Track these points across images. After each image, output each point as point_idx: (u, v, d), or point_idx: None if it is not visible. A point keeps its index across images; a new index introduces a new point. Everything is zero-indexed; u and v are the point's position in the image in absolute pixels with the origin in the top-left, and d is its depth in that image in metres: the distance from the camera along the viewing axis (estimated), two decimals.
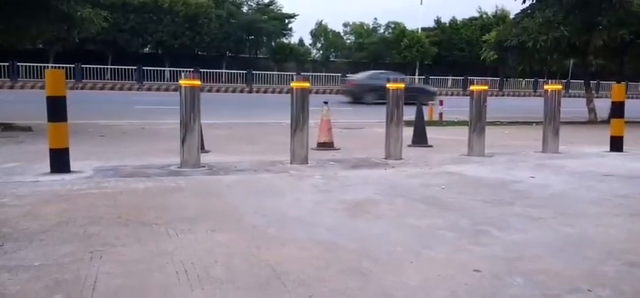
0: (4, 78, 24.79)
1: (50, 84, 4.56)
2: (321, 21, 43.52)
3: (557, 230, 3.16)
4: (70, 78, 24.07)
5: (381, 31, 43.18)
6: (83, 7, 9.82)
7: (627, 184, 4.68)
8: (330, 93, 27.12)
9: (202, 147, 5.69)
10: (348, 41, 43.82)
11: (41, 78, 22.80)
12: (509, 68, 15.34)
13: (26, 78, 25.48)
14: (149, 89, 25.57)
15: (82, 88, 23.80)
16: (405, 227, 3.17)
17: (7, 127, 8.45)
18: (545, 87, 7.02)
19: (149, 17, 32.38)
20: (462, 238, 2.95)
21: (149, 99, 18.01)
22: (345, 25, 44.08)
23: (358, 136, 9.17)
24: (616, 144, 6.95)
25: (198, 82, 5.03)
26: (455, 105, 15.53)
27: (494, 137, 8.39)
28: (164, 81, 29.25)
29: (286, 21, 40.17)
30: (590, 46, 13.04)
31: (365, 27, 43.34)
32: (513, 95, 32.40)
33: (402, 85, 6.16)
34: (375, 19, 45.62)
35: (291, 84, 5.61)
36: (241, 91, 27.68)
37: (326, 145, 7.20)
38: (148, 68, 28.65)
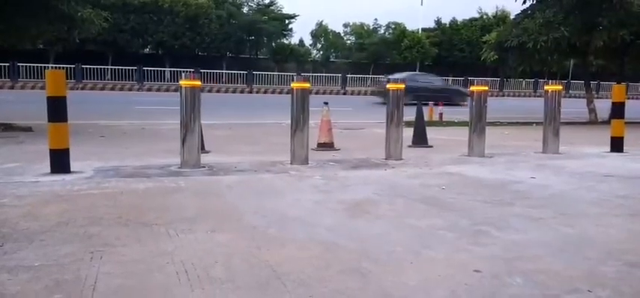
0: (5, 78, 24.79)
1: (50, 84, 4.56)
2: (322, 21, 43.61)
3: (557, 231, 3.16)
4: (71, 79, 24.07)
5: (382, 31, 43.22)
6: (83, 8, 9.83)
7: (627, 185, 4.69)
8: (330, 93, 27.13)
9: (202, 148, 5.70)
10: (349, 42, 43.83)
11: (41, 78, 22.81)
12: (510, 69, 15.34)
13: (26, 78, 25.49)
14: (149, 89, 25.55)
15: (82, 89, 23.80)
16: (405, 227, 3.17)
17: (8, 127, 8.46)
18: (546, 87, 7.02)
19: (149, 18, 32.39)
20: (461, 238, 2.95)
21: (149, 100, 18.01)
22: (346, 25, 44.15)
23: (358, 137, 9.17)
24: (616, 145, 6.95)
25: (198, 83, 5.03)
26: (453, 105, 15.56)
27: (495, 137, 8.39)
28: (164, 81, 29.25)
29: (286, 21, 40.19)
30: (591, 47, 13.02)
31: (365, 27, 43.35)
32: (514, 95, 32.38)
33: (402, 86, 6.18)
34: (376, 19, 45.79)
35: (292, 85, 5.61)
36: (241, 92, 27.68)
37: (326, 146, 7.21)
38: (149, 68, 28.64)
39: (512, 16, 20.84)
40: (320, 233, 2.99)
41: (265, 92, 28.09)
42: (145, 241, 2.75)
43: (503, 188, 4.46)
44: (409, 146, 7.32)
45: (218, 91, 26.60)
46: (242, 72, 30.35)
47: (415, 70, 37.69)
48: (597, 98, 16.95)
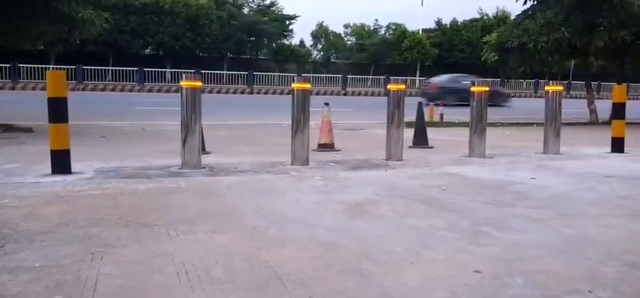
0: (5, 79, 24.82)
1: (51, 85, 4.57)
2: (322, 22, 43.64)
3: (557, 231, 3.16)
4: (71, 80, 24.10)
5: (382, 32, 43.23)
6: (84, 9, 9.84)
7: (628, 185, 4.68)
8: (330, 94, 27.13)
9: (203, 149, 5.70)
10: (349, 42, 43.85)
11: (42, 79, 22.85)
12: (510, 69, 15.33)
13: (27, 79, 25.52)
14: (150, 90, 25.57)
15: (82, 89, 23.81)
16: (405, 227, 3.18)
17: (8, 128, 8.47)
18: (546, 88, 7.02)
19: (150, 18, 32.43)
20: (462, 239, 2.95)
21: (150, 101, 18.02)
22: (346, 26, 44.16)
23: (359, 137, 9.17)
24: (617, 145, 6.95)
25: (199, 83, 5.04)
26: (453, 106, 15.55)
27: (495, 138, 8.38)
28: (165, 82, 29.27)
29: (287, 22, 40.22)
30: (591, 47, 13.02)
31: (366, 28, 43.36)
32: (514, 96, 32.36)
33: (403, 86, 6.19)
34: (376, 20, 45.76)
35: (292, 86, 5.61)
36: (242, 92, 27.68)
37: (327, 146, 7.21)
38: (149, 69, 28.67)
39: (512, 17, 20.85)
40: (320, 233, 2.99)
41: (266, 93, 28.09)
42: (146, 242, 2.75)
43: (503, 188, 4.45)
44: (410, 147, 7.32)
45: (219, 92, 26.62)
46: (243, 73, 30.37)
47: (415, 71, 37.81)
48: (598, 99, 16.93)
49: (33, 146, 6.58)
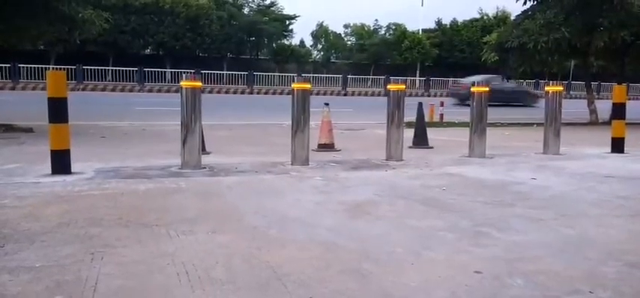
0: (6, 79, 24.82)
1: (51, 85, 4.57)
2: (322, 22, 43.67)
3: (557, 232, 3.16)
4: (71, 80, 24.10)
5: (382, 32, 43.25)
6: (84, 9, 9.84)
7: (628, 185, 4.68)
8: (330, 94, 27.13)
9: (203, 149, 5.70)
10: (349, 42, 43.86)
11: (42, 79, 22.84)
12: (510, 69, 15.34)
13: (27, 79, 25.52)
14: (150, 90, 25.57)
15: (83, 90, 23.81)
16: (406, 228, 3.18)
17: (9, 128, 8.47)
18: (546, 88, 7.02)
19: (150, 19, 32.43)
20: (462, 239, 2.95)
21: (150, 101, 18.02)
22: (346, 26, 44.19)
23: (359, 137, 9.17)
24: (617, 146, 6.95)
25: (199, 84, 5.04)
26: (453, 106, 15.56)
27: (495, 138, 8.38)
28: (165, 82, 29.26)
29: (287, 22, 40.23)
30: (591, 48, 13.01)
31: (366, 28, 43.38)
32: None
33: (403, 87, 6.19)
34: (376, 20, 45.85)
35: (292, 86, 5.61)
36: (242, 93, 27.68)
37: (327, 146, 7.21)
38: (149, 69, 28.67)
39: (512, 17, 20.85)
40: (320, 233, 2.99)
41: (266, 93, 28.09)
42: (146, 242, 2.75)
43: (503, 189, 4.46)
44: (410, 147, 7.32)
45: (219, 92, 26.61)
46: (243, 73, 30.37)
47: (416, 72, 37.83)
48: (598, 99, 16.93)
49: (33, 146, 6.58)
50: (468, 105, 14.07)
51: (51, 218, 3.16)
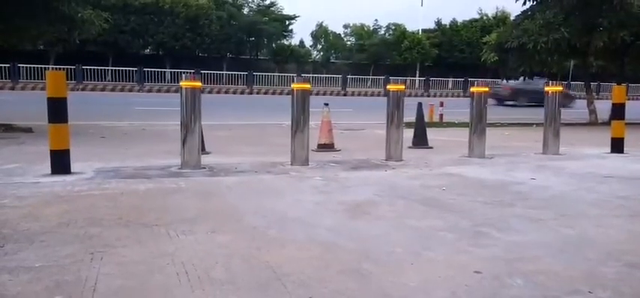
0: (5, 79, 24.81)
1: (51, 85, 4.57)
2: (322, 22, 43.66)
3: (557, 232, 3.16)
4: (71, 80, 24.09)
5: (382, 32, 43.26)
6: (84, 9, 9.84)
7: (628, 186, 4.69)
8: (330, 94, 27.13)
9: (203, 149, 5.70)
10: (349, 43, 43.86)
11: (42, 79, 22.81)
12: (510, 69, 15.34)
13: (27, 79, 25.51)
14: (150, 90, 25.57)
15: (82, 90, 23.81)
16: (405, 228, 3.18)
17: (8, 128, 8.47)
18: (546, 88, 7.02)
19: (150, 19, 32.42)
20: (462, 239, 2.95)
21: (150, 101, 18.02)
22: (346, 26, 44.19)
23: (359, 138, 9.17)
24: (617, 146, 6.95)
25: (198, 84, 5.04)
26: (453, 107, 15.56)
27: (495, 138, 8.39)
28: (165, 82, 29.27)
29: (287, 22, 40.23)
30: (591, 48, 13.02)
31: (365, 28, 43.38)
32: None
33: (403, 87, 6.19)
34: (376, 20, 45.82)
35: (292, 86, 5.61)
36: (242, 93, 27.68)
37: (326, 146, 7.21)
38: (149, 69, 28.65)
39: (512, 17, 20.85)
40: (320, 234, 3.00)
41: (266, 93, 28.09)
42: (146, 242, 2.75)
43: (503, 189, 4.46)
44: (409, 147, 7.33)
45: (218, 92, 26.61)
46: (242, 73, 30.37)
47: (415, 72, 37.85)
48: (597, 99, 16.95)
49: (33, 146, 6.58)
50: (507, 104, 14.04)
51: (51, 218, 3.16)
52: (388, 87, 6.16)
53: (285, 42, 40.65)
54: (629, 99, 9.91)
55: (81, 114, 9.36)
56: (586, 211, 3.70)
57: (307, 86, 5.64)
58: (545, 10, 13.12)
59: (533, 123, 12.11)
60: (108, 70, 29.30)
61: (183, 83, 4.98)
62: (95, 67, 27.65)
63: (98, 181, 4.35)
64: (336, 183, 4.59)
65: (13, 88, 23.20)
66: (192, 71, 5.77)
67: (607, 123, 11.14)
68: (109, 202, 3.61)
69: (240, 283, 2.24)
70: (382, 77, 31.74)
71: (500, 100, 22.75)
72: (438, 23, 43.12)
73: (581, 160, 6.27)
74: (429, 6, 42.29)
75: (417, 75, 37.78)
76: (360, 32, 42.78)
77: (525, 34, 12.83)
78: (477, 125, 6.35)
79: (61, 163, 4.56)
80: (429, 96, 27.07)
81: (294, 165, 5.39)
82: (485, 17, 41.94)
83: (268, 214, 3.41)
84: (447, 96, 26.94)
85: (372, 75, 35.98)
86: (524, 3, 14.01)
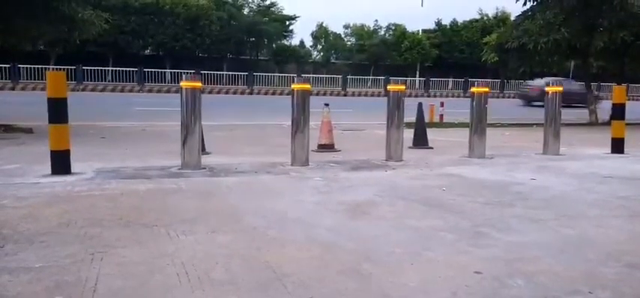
0: (6, 79, 24.78)
1: (51, 85, 4.57)
2: (322, 22, 43.59)
3: (557, 232, 3.16)
4: (71, 80, 24.08)
5: (382, 32, 43.19)
6: (84, 9, 9.84)
7: (628, 186, 4.68)
8: (330, 94, 27.12)
9: (203, 149, 5.70)
10: (349, 43, 43.82)
11: (42, 79, 22.81)
12: (510, 70, 15.33)
13: (27, 79, 25.49)
14: (150, 91, 25.55)
15: (82, 90, 23.78)
16: (406, 228, 3.18)
17: (8, 129, 8.47)
18: (546, 89, 7.02)
19: (150, 19, 32.40)
20: (462, 239, 2.95)
21: (150, 101, 18.01)
22: (346, 26, 44.12)
23: (359, 138, 9.17)
24: (617, 146, 6.95)
25: (199, 84, 5.04)
26: (453, 107, 15.55)
27: (495, 139, 8.39)
28: (165, 83, 29.22)
29: (287, 23, 40.22)
30: (591, 48, 13.01)
31: (365, 28, 43.36)
32: (514, 97, 32.36)
33: (403, 87, 6.19)
34: (376, 20, 45.73)
35: (292, 86, 5.61)
36: (242, 93, 27.66)
37: (326, 147, 7.21)
38: (149, 70, 28.63)
39: (512, 18, 20.85)
40: (320, 234, 2.99)
41: (266, 93, 28.07)
42: (146, 242, 2.75)
43: (503, 189, 4.45)
44: (410, 147, 7.32)
45: (219, 93, 26.61)
46: (243, 73, 30.35)
47: (416, 72, 37.86)
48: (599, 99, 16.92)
49: (33, 146, 6.58)
50: (535, 106, 14.05)
51: (51, 218, 3.16)
52: (388, 87, 6.16)
53: (286, 42, 40.66)
54: (629, 100, 9.89)
55: (81, 114, 9.36)
56: (586, 211, 3.69)
57: (307, 86, 5.64)
58: (546, 11, 13.12)
59: (533, 124, 12.11)
60: (108, 70, 29.29)
61: (183, 83, 4.98)
62: (95, 68, 27.63)
63: (98, 181, 4.35)
64: (336, 183, 4.59)
65: (13, 89, 23.19)
66: (193, 71, 5.76)
67: (607, 124, 11.14)
68: (109, 202, 3.61)
69: (240, 283, 2.24)
70: (382, 77, 31.75)
71: (528, 101, 22.48)
72: (438, 23, 43.10)
73: (582, 160, 6.26)
74: (429, 6, 42.37)
75: (417, 75, 37.77)
76: (361, 32, 42.76)
77: (526, 34, 12.83)
78: (477, 125, 6.35)
79: (61, 163, 4.56)
80: (429, 96, 27.07)
81: (295, 166, 5.39)
82: (485, 17, 41.91)
83: (268, 214, 3.41)
84: (447, 96, 26.93)
85: (373, 76, 35.97)
86: (525, 3, 14.01)
